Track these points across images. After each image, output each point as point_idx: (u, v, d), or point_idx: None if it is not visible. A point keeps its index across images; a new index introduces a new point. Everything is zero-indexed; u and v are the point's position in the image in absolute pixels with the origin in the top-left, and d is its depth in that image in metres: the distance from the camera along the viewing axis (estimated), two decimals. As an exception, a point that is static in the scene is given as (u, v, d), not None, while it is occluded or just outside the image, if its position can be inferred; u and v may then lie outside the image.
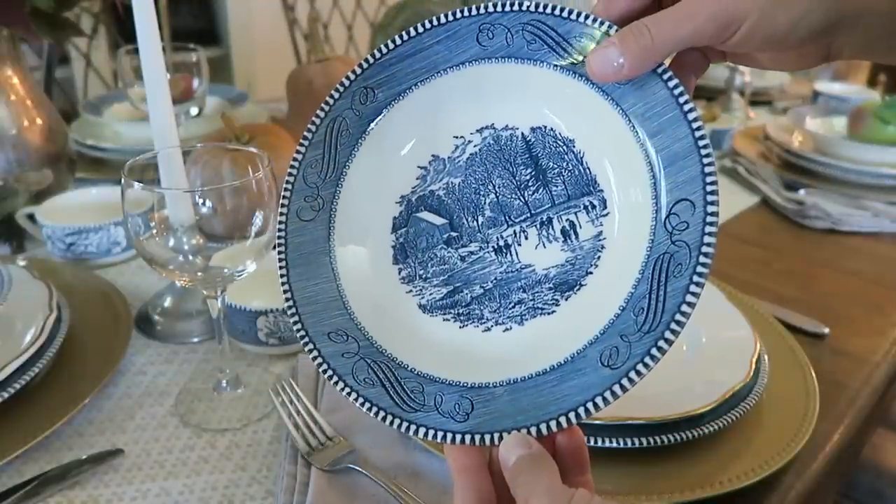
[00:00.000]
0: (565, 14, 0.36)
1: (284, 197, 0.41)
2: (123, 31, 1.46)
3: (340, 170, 0.41)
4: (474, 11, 0.39)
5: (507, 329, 0.38)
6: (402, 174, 0.42)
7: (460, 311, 0.39)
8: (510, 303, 0.38)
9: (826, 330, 0.68)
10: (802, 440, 0.51)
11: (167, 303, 0.68)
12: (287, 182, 0.41)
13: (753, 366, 0.54)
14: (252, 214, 0.50)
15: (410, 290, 0.41)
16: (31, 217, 0.77)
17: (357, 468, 0.48)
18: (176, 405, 0.57)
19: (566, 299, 0.37)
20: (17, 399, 0.51)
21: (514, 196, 0.40)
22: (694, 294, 0.31)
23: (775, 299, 0.72)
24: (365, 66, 0.41)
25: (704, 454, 0.49)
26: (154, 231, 0.50)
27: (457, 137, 0.41)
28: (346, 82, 0.41)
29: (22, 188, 0.80)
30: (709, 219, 0.32)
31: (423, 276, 0.40)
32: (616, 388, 0.32)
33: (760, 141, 1.15)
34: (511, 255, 0.39)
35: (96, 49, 1.55)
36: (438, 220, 0.41)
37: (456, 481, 0.33)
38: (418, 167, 0.42)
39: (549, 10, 0.37)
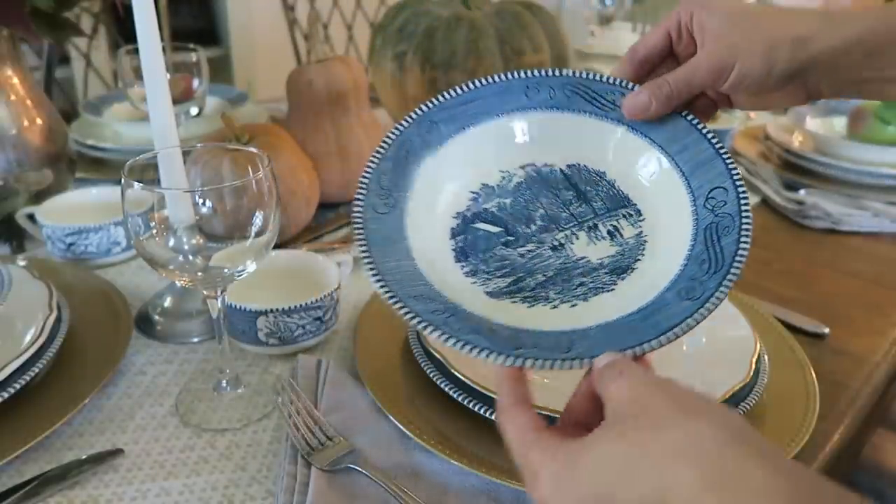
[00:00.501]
0: (599, 78, 0.48)
1: (360, 192, 0.45)
2: (123, 31, 1.46)
3: (408, 182, 0.46)
4: (524, 74, 0.48)
5: (573, 305, 0.42)
6: (456, 195, 0.47)
7: (526, 294, 0.42)
8: (572, 285, 0.42)
9: (826, 330, 0.68)
10: (802, 440, 0.51)
11: (167, 303, 0.68)
12: (362, 181, 0.45)
13: (753, 366, 0.54)
14: (252, 214, 0.50)
15: (475, 282, 0.43)
16: (31, 217, 0.77)
17: (357, 468, 0.48)
18: (176, 405, 0.57)
19: (622, 279, 0.42)
20: (17, 399, 0.51)
21: (560, 209, 0.46)
22: (746, 240, 0.39)
23: (775, 299, 0.72)
24: (431, 105, 0.48)
25: (704, 454, 0.49)
26: (154, 231, 0.50)
27: (502, 171, 0.48)
28: (415, 115, 0.48)
29: (22, 188, 0.80)
30: (741, 194, 0.41)
31: (486, 270, 0.44)
32: (702, 310, 0.37)
33: (760, 141, 1.16)
34: (566, 251, 0.44)
35: (96, 49, 1.54)
36: (495, 229, 0.46)
37: (502, 386, 0.36)
38: (470, 191, 0.47)
39: (586, 76, 0.48)
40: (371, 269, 0.41)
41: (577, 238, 0.45)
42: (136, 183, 0.47)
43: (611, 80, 0.47)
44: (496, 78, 0.48)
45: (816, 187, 0.98)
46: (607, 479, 0.29)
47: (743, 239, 0.39)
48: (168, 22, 1.43)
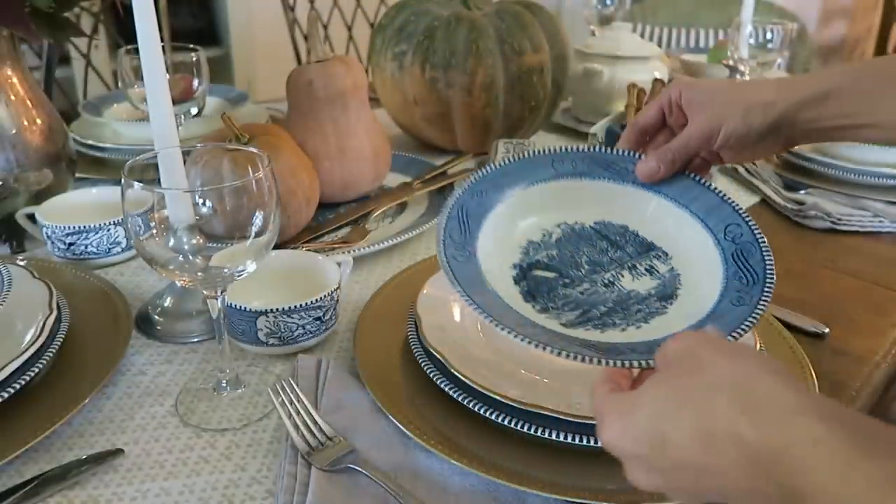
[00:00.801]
0: (610, 152, 0.58)
1: (440, 246, 0.50)
2: (123, 31, 1.46)
3: (474, 236, 0.53)
4: (551, 150, 0.58)
5: (638, 327, 0.48)
6: (510, 249, 0.54)
7: (596, 322, 0.49)
8: (632, 312, 0.50)
9: (826, 330, 0.68)
10: (802, 440, 0.50)
11: (167, 303, 0.68)
12: (439, 235, 0.51)
13: (753, 366, 0.54)
14: (252, 214, 0.50)
15: (549, 317, 0.49)
16: (31, 217, 0.77)
17: (357, 468, 0.48)
18: (176, 405, 0.57)
19: (671, 304, 0.50)
20: (17, 399, 0.51)
21: (601, 255, 0.54)
22: (770, 256, 0.50)
23: (775, 299, 0.70)
24: (475, 178, 0.56)
25: (704, 454, 0.49)
26: (154, 231, 0.50)
27: (542, 230, 0.56)
28: (465, 184, 0.56)
29: (22, 188, 0.80)
30: (753, 226, 0.52)
31: (554, 306, 0.50)
32: (757, 311, 0.46)
33: (760, 141, 1.15)
34: (617, 287, 0.52)
35: (96, 49, 1.55)
36: (551, 274, 0.53)
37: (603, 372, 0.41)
38: (520, 246, 0.55)
39: (599, 150, 0.58)
40: (471, 305, 0.45)
41: (623, 276, 0.52)
42: (136, 183, 0.47)
43: (621, 152, 0.58)
44: (525, 154, 0.58)
45: (816, 187, 0.98)
46: (657, 419, 0.32)
47: (767, 258, 0.50)
48: (168, 22, 1.43)
